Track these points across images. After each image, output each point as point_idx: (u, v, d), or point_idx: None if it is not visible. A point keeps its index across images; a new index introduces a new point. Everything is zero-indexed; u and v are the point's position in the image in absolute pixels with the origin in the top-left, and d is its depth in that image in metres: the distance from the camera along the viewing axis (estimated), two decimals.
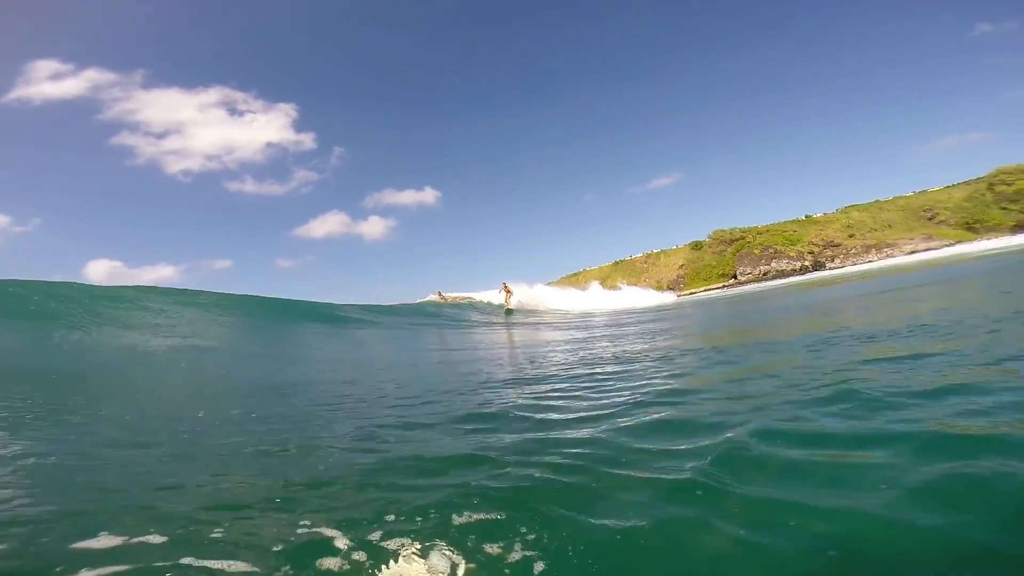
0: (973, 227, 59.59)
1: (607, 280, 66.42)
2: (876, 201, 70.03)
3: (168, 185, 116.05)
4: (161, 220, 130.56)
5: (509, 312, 22.68)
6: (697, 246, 79.70)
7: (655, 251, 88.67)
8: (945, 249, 50.80)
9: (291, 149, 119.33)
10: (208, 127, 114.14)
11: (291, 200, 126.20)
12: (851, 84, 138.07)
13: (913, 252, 57.56)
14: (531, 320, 19.09)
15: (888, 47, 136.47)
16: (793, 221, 71.58)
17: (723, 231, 75.31)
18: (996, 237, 54.97)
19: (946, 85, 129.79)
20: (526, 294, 26.91)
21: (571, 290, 36.94)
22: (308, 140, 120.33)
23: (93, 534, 1.71)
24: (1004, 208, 59.32)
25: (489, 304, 24.94)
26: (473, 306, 25.41)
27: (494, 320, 19.35)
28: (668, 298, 43.59)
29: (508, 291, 24.24)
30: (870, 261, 58.53)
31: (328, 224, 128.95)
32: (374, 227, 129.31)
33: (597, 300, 33.27)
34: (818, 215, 71.60)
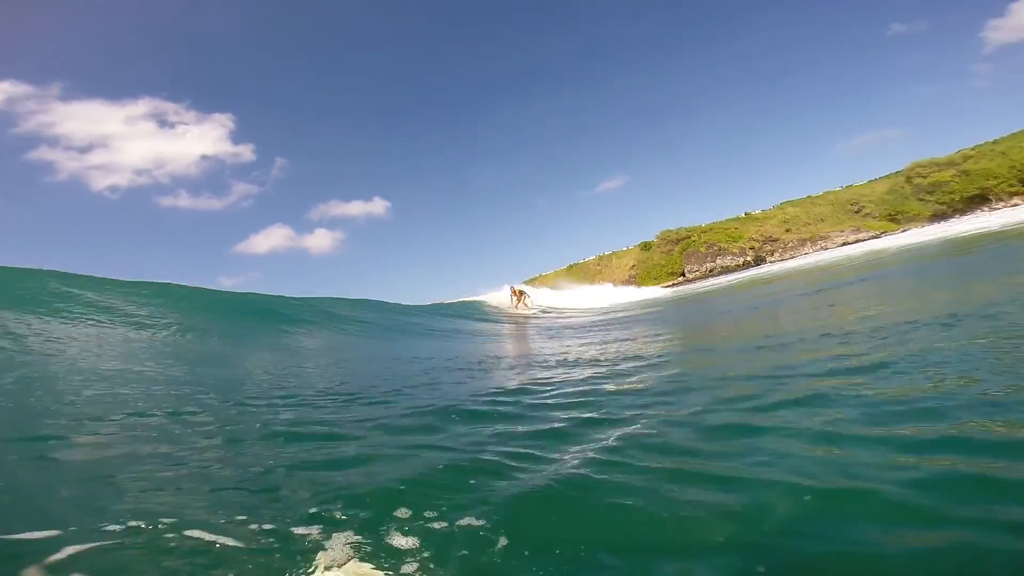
0: (895, 218, 63.87)
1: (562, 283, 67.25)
2: (809, 196, 74.04)
3: (94, 202, 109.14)
4: (88, 239, 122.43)
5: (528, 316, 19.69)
6: (646, 246, 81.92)
7: (607, 253, 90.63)
8: (872, 241, 54.14)
9: (229, 162, 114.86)
10: (136, 140, 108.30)
11: (231, 215, 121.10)
12: (781, 84, 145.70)
13: (844, 244, 61.09)
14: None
15: (812, 49, 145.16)
16: (734, 219, 74.68)
17: (670, 231, 77.73)
18: (917, 227, 59.18)
19: (865, 84, 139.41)
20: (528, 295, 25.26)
21: (560, 291, 37.69)
22: (247, 152, 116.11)
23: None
24: (922, 199, 63.85)
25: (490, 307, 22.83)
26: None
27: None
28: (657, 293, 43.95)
29: (518, 294, 21.27)
30: (806, 253, 61.75)
31: (272, 238, 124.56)
32: (321, 240, 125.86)
33: (594, 298, 33.75)
34: (757, 212, 75.00)
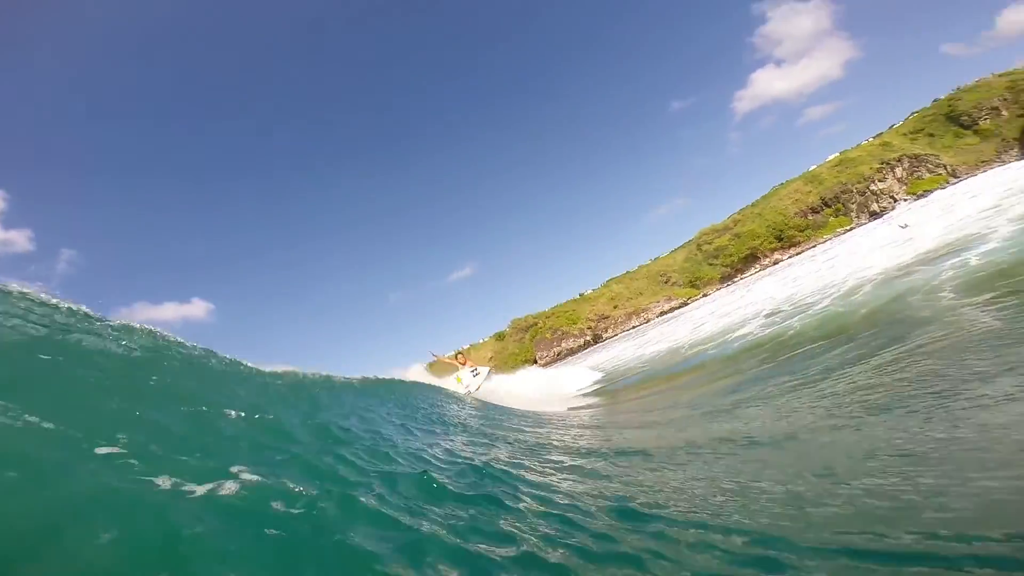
0: (695, 284, 74.93)
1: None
2: (628, 272, 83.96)
3: None
4: None
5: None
6: (500, 337, 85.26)
7: (465, 347, 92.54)
8: (682, 309, 62.65)
9: None
10: None
11: None
12: (596, 167, 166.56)
13: (662, 313, 69.82)
14: None
15: (612, 134, 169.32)
16: (572, 301, 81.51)
17: (520, 319, 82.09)
18: (712, 290, 69.90)
19: (653, 158, 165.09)
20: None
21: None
22: (22, 239, 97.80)
23: None
24: (711, 264, 76.00)
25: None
26: None
27: None
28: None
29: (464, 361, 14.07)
30: (634, 327, 69.20)
31: None
32: None
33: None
34: (589, 292, 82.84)
